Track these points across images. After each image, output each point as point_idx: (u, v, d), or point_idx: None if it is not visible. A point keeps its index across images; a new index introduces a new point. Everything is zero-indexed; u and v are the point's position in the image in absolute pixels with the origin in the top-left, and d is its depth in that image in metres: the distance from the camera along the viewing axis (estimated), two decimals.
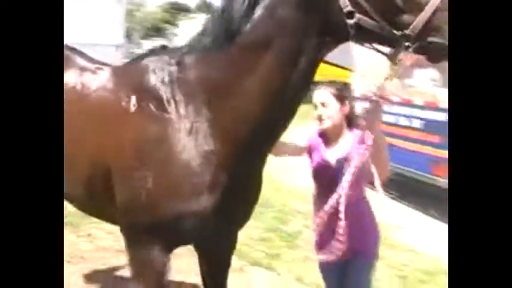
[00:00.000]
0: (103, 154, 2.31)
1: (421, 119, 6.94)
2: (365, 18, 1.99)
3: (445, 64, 1.96)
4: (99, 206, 2.53)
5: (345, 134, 2.85)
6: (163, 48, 2.53)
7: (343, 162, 2.68)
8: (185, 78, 2.24)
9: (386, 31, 2.00)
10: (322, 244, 2.81)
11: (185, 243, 2.47)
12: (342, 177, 2.46)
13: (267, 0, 2.09)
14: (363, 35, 2.06)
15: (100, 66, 2.65)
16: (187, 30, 19.84)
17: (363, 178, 2.66)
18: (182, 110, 2.19)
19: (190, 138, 2.17)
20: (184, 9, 44.45)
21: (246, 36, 2.11)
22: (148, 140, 2.22)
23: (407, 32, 1.97)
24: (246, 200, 2.44)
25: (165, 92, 2.24)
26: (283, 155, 2.85)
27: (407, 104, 7.32)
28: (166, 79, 2.27)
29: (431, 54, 2.07)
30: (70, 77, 2.58)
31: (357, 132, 2.75)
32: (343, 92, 2.81)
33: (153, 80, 2.30)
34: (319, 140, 2.89)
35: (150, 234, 2.25)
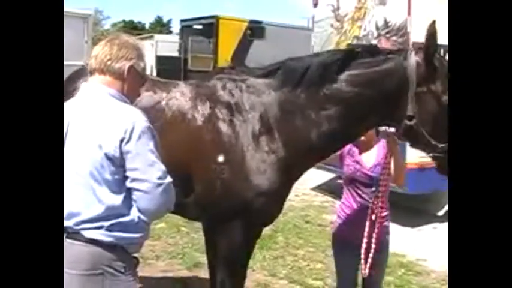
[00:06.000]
0: (182, 150, 2.71)
1: None
2: (421, 127, 2.63)
3: None
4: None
5: (375, 142, 3.29)
6: (232, 68, 3.14)
7: (376, 165, 3.18)
8: (254, 95, 2.79)
9: (427, 140, 2.66)
10: (353, 235, 3.23)
11: (257, 224, 2.97)
12: (377, 177, 3.10)
13: (354, 71, 2.72)
14: (409, 134, 2.71)
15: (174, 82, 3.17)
16: (146, 48, 19.99)
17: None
18: (248, 116, 2.74)
19: (254, 139, 2.73)
20: (139, 28, 44.44)
21: (325, 87, 2.73)
22: (220, 138, 2.72)
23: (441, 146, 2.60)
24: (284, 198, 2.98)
25: (233, 101, 2.78)
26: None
27: None
28: (235, 92, 2.81)
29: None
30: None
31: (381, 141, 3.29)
32: None
33: (223, 91, 2.83)
34: (353, 148, 3.30)
35: (229, 219, 2.75)
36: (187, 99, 2.88)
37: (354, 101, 2.71)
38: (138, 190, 2.03)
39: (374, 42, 7.08)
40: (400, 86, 2.65)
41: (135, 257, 2.21)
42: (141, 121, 2.05)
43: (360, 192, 3.26)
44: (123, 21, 48.13)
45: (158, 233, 5.77)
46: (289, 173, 2.83)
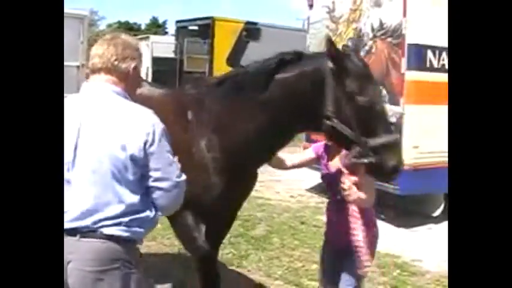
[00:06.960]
0: None
1: None
2: (342, 125, 2.67)
3: None
4: None
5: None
6: (201, 78, 3.54)
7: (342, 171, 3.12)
8: (208, 106, 3.09)
9: (359, 139, 2.68)
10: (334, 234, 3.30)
11: (206, 214, 3.23)
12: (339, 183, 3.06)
13: (283, 80, 2.88)
14: (336, 136, 2.77)
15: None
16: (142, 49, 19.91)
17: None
18: (203, 127, 3.04)
19: (204, 147, 3.05)
20: (135, 29, 44.37)
21: (252, 93, 2.93)
22: (179, 143, 2.86)
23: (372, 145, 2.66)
24: (242, 191, 3.36)
25: (192, 112, 3.12)
26: (300, 166, 3.48)
27: None
28: (195, 102, 3.15)
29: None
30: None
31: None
32: None
33: (187, 102, 3.19)
34: (324, 153, 3.33)
35: (183, 211, 2.93)
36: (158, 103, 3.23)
37: (281, 105, 2.87)
38: (159, 188, 2.15)
39: (369, 43, 7.11)
40: (316, 87, 2.78)
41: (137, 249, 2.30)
42: (159, 123, 2.16)
43: (333, 194, 3.28)
44: (119, 22, 48.10)
45: (153, 234, 5.76)
46: (232, 173, 3.05)
